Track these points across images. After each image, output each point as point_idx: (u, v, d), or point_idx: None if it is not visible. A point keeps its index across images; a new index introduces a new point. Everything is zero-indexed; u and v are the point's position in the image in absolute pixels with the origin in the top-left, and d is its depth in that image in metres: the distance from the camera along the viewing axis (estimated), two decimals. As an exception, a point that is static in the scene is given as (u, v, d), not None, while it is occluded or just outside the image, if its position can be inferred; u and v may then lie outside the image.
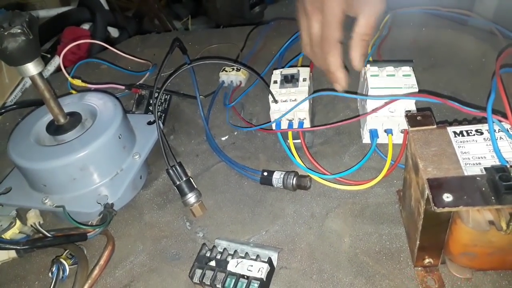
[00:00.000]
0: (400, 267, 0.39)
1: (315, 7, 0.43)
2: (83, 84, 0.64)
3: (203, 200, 0.48)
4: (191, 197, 0.46)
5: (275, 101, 0.50)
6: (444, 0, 0.70)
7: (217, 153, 0.54)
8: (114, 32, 1.16)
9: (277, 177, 0.47)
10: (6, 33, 0.40)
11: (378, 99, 0.47)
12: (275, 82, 0.52)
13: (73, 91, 0.64)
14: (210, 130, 0.57)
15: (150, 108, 0.61)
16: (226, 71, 0.64)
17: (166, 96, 0.62)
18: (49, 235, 0.44)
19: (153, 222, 0.48)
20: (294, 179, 0.46)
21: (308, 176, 0.47)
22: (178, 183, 0.46)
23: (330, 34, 0.42)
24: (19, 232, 0.47)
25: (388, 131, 0.48)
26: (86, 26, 1.05)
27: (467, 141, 0.34)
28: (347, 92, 0.49)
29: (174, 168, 0.47)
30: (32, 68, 0.43)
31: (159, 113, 0.61)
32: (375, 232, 0.42)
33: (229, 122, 0.58)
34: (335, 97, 0.57)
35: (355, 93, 0.56)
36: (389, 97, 0.46)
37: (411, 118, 0.37)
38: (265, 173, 0.48)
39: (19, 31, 0.40)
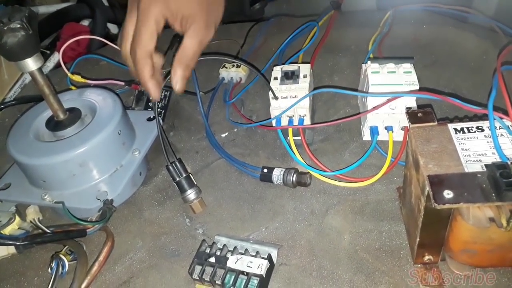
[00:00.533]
0: (400, 264, 0.39)
1: (133, 6, 0.40)
2: (83, 80, 0.64)
3: (203, 197, 0.48)
4: (191, 194, 0.46)
5: (275, 98, 0.50)
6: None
7: (217, 150, 0.54)
8: (113, 28, 1.15)
9: (277, 174, 0.47)
10: (5, 28, 0.39)
11: (379, 96, 0.47)
12: (276, 78, 0.52)
13: (73, 87, 0.64)
14: (210, 126, 0.57)
15: (150, 104, 0.60)
16: (226, 67, 0.64)
17: (166, 93, 0.62)
18: (48, 231, 0.44)
19: (153, 219, 0.48)
20: (294, 175, 0.46)
21: (308, 173, 0.47)
22: (177, 179, 0.46)
23: (139, 42, 0.39)
24: (18, 228, 0.47)
25: (389, 128, 0.48)
26: (85, 23, 1.05)
27: (468, 138, 0.34)
28: (347, 89, 0.49)
29: (174, 165, 0.46)
30: (31, 64, 0.43)
31: (159, 109, 0.60)
32: (375, 229, 0.42)
33: (229, 118, 0.58)
34: (336, 94, 0.57)
35: (356, 90, 0.56)
36: (390, 94, 0.46)
37: (412, 115, 0.37)
38: (265, 170, 0.48)
39: (18, 26, 0.40)
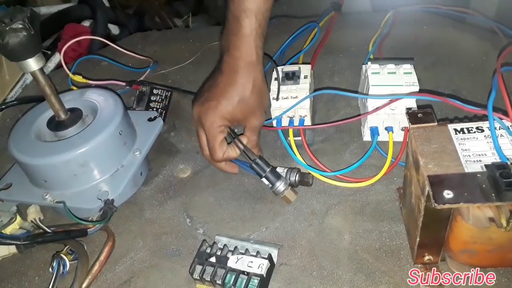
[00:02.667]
0: (400, 264, 0.39)
1: (198, 123, 0.48)
2: (84, 80, 0.64)
3: (204, 197, 0.48)
4: (280, 185, 0.45)
5: (276, 98, 0.50)
6: (446, -2, 0.70)
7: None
8: (114, 29, 1.16)
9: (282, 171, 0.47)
10: (7, 28, 0.40)
11: (379, 98, 0.47)
12: (276, 79, 0.52)
13: (74, 87, 0.64)
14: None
15: (151, 104, 0.61)
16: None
17: (166, 93, 0.62)
18: (49, 230, 0.45)
19: (154, 219, 0.48)
20: (297, 175, 0.46)
21: (310, 173, 0.47)
22: (263, 175, 0.46)
23: (214, 153, 0.47)
24: (20, 228, 0.47)
25: (389, 129, 0.48)
26: (86, 23, 1.05)
27: (468, 139, 0.34)
28: (348, 91, 0.49)
29: (255, 162, 0.46)
30: (33, 64, 0.43)
31: (159, 110, 0.61)
32: (375, 229, 0.42)
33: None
34: (336, 95, 0.57)
35: (356, 92, 0.56)
36: (390, 96, 0.46)
37: (412, 116, 0.37)
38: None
39: (20, 26, 0.40)
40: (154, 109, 0.60)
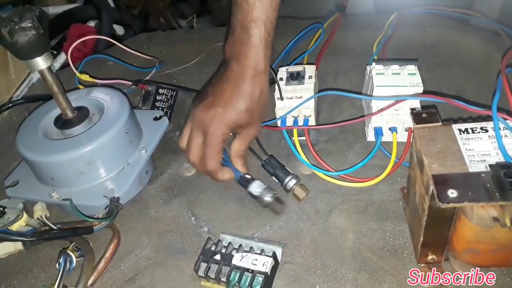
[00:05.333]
0: (404, 263, 0.39)
1: (195, 125, 0.46)
2: (91, 79, 0.65)
3: (208, 196, 0.49)
4: (289, 182, 0.46)
5: (281, 98, 0.50)
6: (449, 0, 0.70)
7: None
8: (119, 29, 1.16)
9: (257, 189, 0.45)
10: (17, 27, 0.40)
11: (383, 99, 0.47)
12: (281, 79, 0.53)
13: (81, 86, 0.64)
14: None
15: (157, 104, 0.61)
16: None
17: (172, 93, 0.63)
18: (55, 228, 0.45)
19: (159, 217, 0.48)
20: (271, 197, 0.44)
21: (284, 203, 0.46)
22: (273, 172, 0.47)
23: (212, 159, 0.46)
24: (26, 225, 0.47)
25: (393, 129, 0.49)
26: (92, 24, 1.06)
27: (472, 139, 0.34)
28: (352, 91, 0.49)
29: (266, 161, 0.48)
30: (41, 62, 0.44)
31: (165, 109, 0.61)
32: (379, 229, 0.42)
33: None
34: (340, 95, 0.57)
35: (360, 92, 0.56)
36: (394, 97, 0.47)
37: (416, 116, 0.37)
38: (248, 176, 0.46)
39: (29, 25, 0.40)
40: (160, 108, 0.61)
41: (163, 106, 0.61)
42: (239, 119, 0.45)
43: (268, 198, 0.44)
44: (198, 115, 0.46)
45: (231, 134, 0.46)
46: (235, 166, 0.47)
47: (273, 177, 0.48)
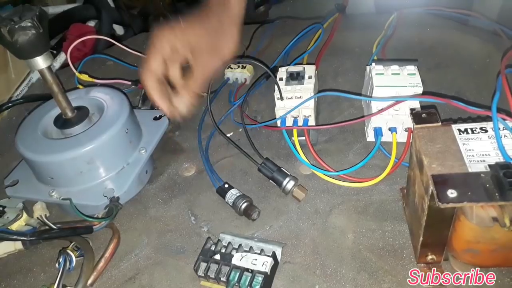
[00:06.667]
0: (403, 263, 0.39)
1: (177, 57, 0.45)
2: (90, 79, 0.65)
3: (208, 195, 0.49)
4: (287, 184, 0.46)
5: (281, 98, 0.50)
6: (448, 0, 0.70)
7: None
8: (119, 30, 1.16)
9: (233, 194, 0.46)
10: (16, 27, 0.40)
11: (383, 100, 0.47)
12: (281, 79, 0.53)
13: (80, 86, 0.64)
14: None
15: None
16: (232, 68, 0.65)
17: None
18: (55, 227, 0.45)
19: (158, 216, 0.48)
20: (244, 204, 0.45)
21: (257, 209, 0.45)
22: (270, 175, 0.47)
23: (146, 68, 0.45)
24: (26, 224, 0.47)
25: (392, 130, 0.49)
26: (91, 23, 1.06)
27: (472, 139, 0.35)
28: (352, 93, 0.49)
29: (263, 164, 0.48)
30: (41, 62, 0.44)
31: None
32: (379, 229, 0.42)
33: (233, 119, 0.59)
34: (340, 95, 0.57)
35: (360, 94, 0.56)
36: (393, 98, 0.47)
37: (416, 116, 0.37)
38: (226, 185, 0.48)
39: (29, 24, 0.40)
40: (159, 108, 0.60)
41: None
42: (195, 40, 0.45)
43: (241, 205, 0.45)
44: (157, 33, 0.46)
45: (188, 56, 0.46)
46: (179, 100, 0.46)
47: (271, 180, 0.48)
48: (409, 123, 0.47)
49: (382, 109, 0.47)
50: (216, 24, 0.46)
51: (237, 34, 0.47)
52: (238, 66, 0.65)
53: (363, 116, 0.52)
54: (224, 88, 0.65)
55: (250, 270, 0.38)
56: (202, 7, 0.48)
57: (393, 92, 0.48)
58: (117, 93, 0.53)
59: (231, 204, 0.46)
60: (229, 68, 0.65)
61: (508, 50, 0.52)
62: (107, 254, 0.44)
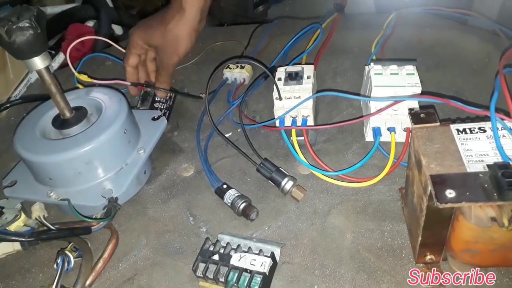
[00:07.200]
0: (402, 263, 0.39)
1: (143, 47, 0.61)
2: (89, 80, 0.64)
3: (206, 196, 0.49)
4: (286, 184, 0.46)
5: (280, 98, 0.50)
6: (447, 0, 0.70)
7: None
8: (118, 29, 1.16)
9: (231, 195, 0.46)
10: (14, 27, 0.40)
11: (381, 100, 0.47)
12: (279, 79, 0.53)
13: (80, 86, 0.64)
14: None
15: (155, 105, 0.61)
16: (230, 68, 0.65)
17: (171, 94, 0.62)
18: (53, 228, 0.45)
19: (157, 217, 0.48)
20: (242, 205, 0.45)
21: (255, 208, 0.45)
22: (269, 175, 0.47)
23: (125, 61, 0.62)
24: (24, 225, 0.47)
25: (391, 129, 0.49)
26: (90, 24, 1.06)
27: (470, 139, 0.34)
28: (351, 93, 0.49)
29: (261, 165, 0.48)
30: (39, 62, 0.43)
31: (163, 110, 0.61)
32: (377, 229, 0.42)
33: (232, 119, 0.59)
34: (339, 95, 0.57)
35: (359, 94, 0.56)
36: (392, 98, 0.47)
37: (414, 116, 0.37)
38: (224, 186, 0.48)
39: (27, 25, 0.40)
40: (158, 109, 0.60)
41: (162, 107, 0.61)
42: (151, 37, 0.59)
43: (239, 206, 0.45)
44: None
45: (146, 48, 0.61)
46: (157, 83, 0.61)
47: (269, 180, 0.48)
48: (408, 123, 0.47)
49: (380, 109, 0.47)
50: (173, 27, 0.57)
51: (193, 35, 0.58)
52: (237, 66, 0.64)
53: (361, 116, 0.52)
54: (222, 88, 0.65)
55: (248, 271, 0.38)
56: (164, 10, 0.59)
57: (391, 92, 0.48)
58: (116, 93, 0.53)
59: (229, 204, 0.46)
60: (228, 68, 0.65)
61: (507, 50, 0.52)
62: (105, 255, 0.44)
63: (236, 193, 0.46)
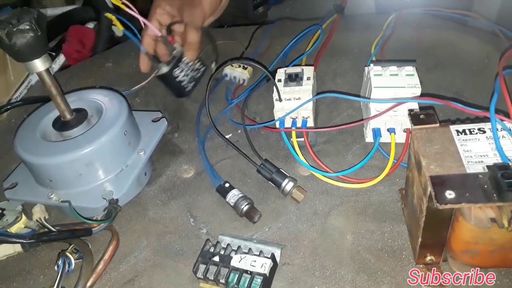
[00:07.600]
0: (402, 264, 0.39)
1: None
2: (123, 6, 0.61)
3: (207, 197, 0.49)
4: (286, 185, 0.46)
5: (280, 100, 0.50)
6: (447, 1, 0.71)
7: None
8: (118, 31, 1.16)
9: (235, 194, 0.46)
10: (14, 29, 0.40)
11: (381, 102, 0.47)
12: (279, 80, 0.53)
13: (108, 15, 0.64)
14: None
15: (176, 71, 0.60)
16: (232, 66, 0.65)
17: (199, 67, 0.63)
18: (54, 229, 0.45)
19: (157, 218, 0.48)
20: (246, 206, 0.45)
21: (259, 212, 0.45)
22: (269, 176, 0.47)
23: (145, 29, 0.62)
24: (25, 227, 0.47)
25: (391, 130, 0.49)
26: (90, 25, 1.06)
27: (470, 140, 0.35)
28: (351, 94, 0.49)
29: (262, 166, 0.48)
30: (39, 64, 0.44)
31: (188, 78, 0.62)
32: (377, 230, 0.42)
33: (232, 119, 0.59)
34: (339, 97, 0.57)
35: (359, 95, 0.56)
36: (392, 100, 0.47)
37: (414, 117, 0.37)
38: (227, 185, 0.48)
39: (27, 27, 0.40)
40: (180, 76, 0.60)
41: (186, 74, 0.60)
42: None
43: (243, 207, 0.45)
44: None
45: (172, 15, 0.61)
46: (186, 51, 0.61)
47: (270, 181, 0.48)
48: (408, 124, 0.47)
49: (381, 112, 0.47)
50: None
51: None
52: (240, 66, 0.65)
53: (362, 119, 0.52)
54: (221, 86, 0.65)
55: (249, 272, 0.38)
56: None
57: (391, 93, 0.48)
58: (116, 95, 0.53)
59: (232, 204, 0.46)
60: (230, 66, 0.65)
61: (507, 50, 0.52)
62: (106, 257, 0.44)
63: (239, 194, 0.46)
